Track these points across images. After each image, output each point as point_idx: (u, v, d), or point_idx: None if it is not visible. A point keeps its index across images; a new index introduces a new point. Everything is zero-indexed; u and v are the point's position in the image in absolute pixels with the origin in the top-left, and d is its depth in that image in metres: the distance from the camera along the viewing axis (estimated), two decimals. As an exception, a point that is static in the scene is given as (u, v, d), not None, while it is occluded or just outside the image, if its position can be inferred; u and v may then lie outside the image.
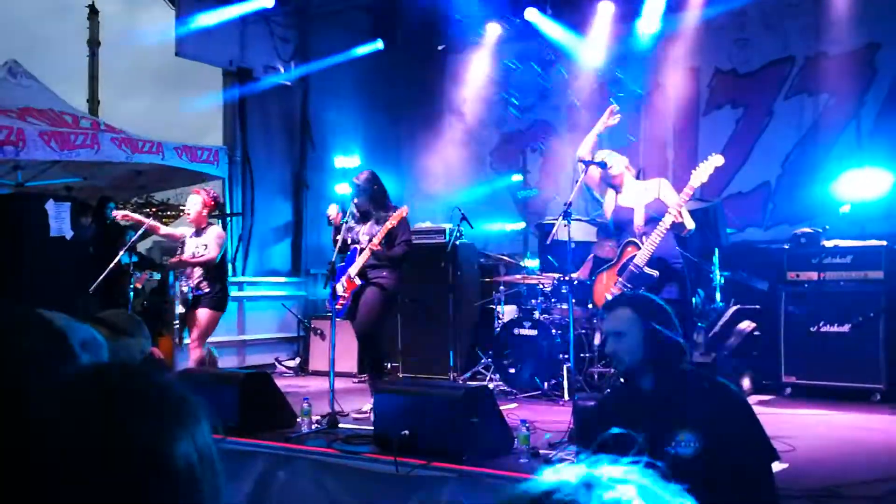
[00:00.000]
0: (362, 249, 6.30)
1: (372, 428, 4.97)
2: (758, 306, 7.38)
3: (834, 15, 8.49)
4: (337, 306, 6.30)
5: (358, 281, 6.30)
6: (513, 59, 10.69)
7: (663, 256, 5.40)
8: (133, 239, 7.36)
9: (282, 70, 10.55)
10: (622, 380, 2.99)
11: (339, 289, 6.33)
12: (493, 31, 10.56)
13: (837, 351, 6.61)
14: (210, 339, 8.90)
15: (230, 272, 9.84)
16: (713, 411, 2.60)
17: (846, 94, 8.49)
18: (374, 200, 6.37)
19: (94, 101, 31.08)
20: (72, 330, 1.29)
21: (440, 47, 11.29)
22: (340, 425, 5.45)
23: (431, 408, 4.51)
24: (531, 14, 9.74)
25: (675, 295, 5.39)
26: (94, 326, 1.43)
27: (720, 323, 7.31)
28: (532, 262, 8.23)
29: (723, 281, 7.43)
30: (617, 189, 5.68)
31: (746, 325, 7.17)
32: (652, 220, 5.39)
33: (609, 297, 5.13)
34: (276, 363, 9.34)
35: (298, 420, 5.41)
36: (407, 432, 4.41)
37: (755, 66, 9.18)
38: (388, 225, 6.21)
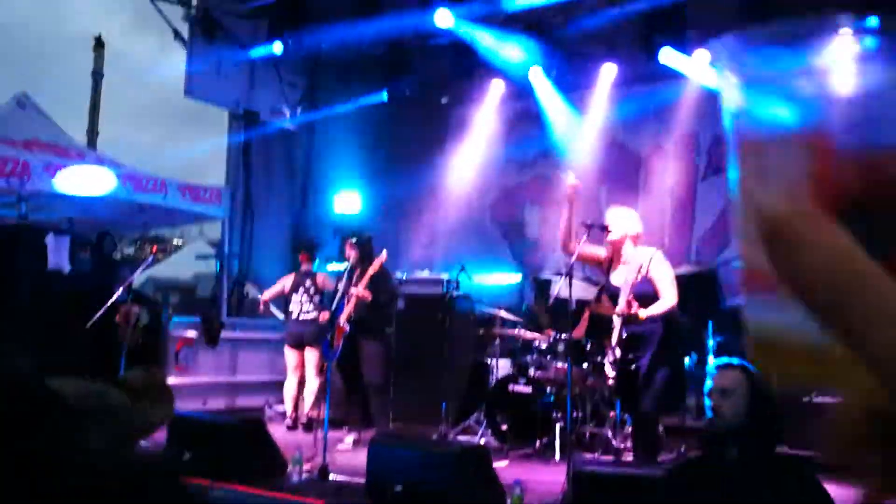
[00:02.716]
0: (350, 298, 6.89)
1: (363, 480, 4.94)
2: (751, 373, 7.40)
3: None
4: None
5: (347, 327, 6.88)
6: (515, 114, 10.86)
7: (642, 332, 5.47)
8: (133, 275, 7.37)
9: (287, 115, 10.69)
10: (704, 447, 2.93)
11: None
12: (497, 87, 10.74)
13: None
14: (201, 380, 8.90)
15: (224, 313, 9.88)
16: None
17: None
18: (368, 258, 7.03)
19: (93, 132, 31.23)
20: (81, 402, 1.30)
21: (444, 100, 11.46)
22: (331, 476, 5.42)
23: (427, 464, 4.50)
24: (535, 73, 9.93)
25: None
26: (114, 390, 1.44)
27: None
28: (527, 316, 8.27)
29: (716, 345, 7.46)
30: (610, 264, 5.75)
31: (739, 392, 7.17)
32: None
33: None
34: (267, 407, 9.26)
35: (289, 469, 5.38)
36: (400, 488, 4.39)
37: (754, 134, 9.33)
38: (370, 272, 6.88)
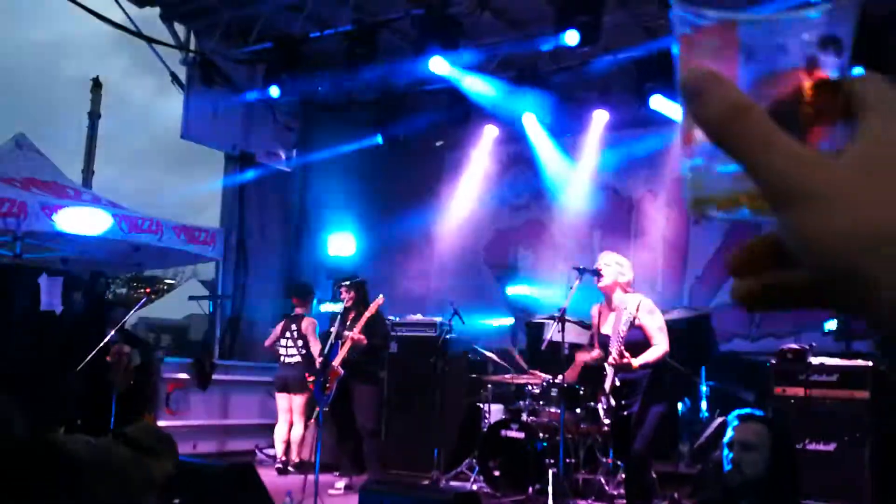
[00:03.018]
0: (344, 342, 6.97)
1: (355, 527, 4.90)
2: (744, 419, 7.39)
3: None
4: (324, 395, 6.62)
5: (341, 371, 6.93)
6: (508, 158, 10.97)
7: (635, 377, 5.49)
8: (126, 317, 7.36)
9: (283, 157, 10.78)
10: (721, 497, 2.89)
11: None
12: (491, 132, 10.87)
13: (822, 469, 6.59)
14: (191, 423, 8.83)
15: (216, 355, 9.85)
16: None
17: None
18: (363, 301, 7.17)
19: (88, 172, 31.32)
20: (87, 459, 1.30)
21: (438, 143, 11.58)
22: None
23: (418, 512, 4.46)
24: (528, 119, 10.06)
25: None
26: (117, 445, 1.45)
27: (706, 434, 7.30)
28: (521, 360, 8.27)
29: (708, 391, 7.46)
30: (599, 314, 5.80)
31: (732, 438, 7.15)
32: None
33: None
34: (258, 450, 9.19)
35: (280, 515, 5.32)
36: (392, 535, 4.35)
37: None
38: (367, 314, 6.97)
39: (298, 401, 8.01)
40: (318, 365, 7.74)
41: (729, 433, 2.79)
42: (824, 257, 0.39)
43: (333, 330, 6.88)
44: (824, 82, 0.45)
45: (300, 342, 8.09)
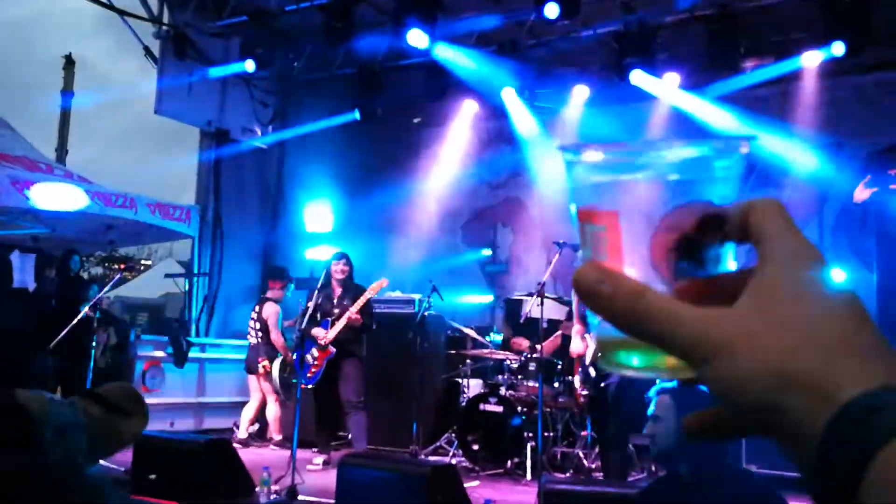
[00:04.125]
0: (335, 320, 6.68)
1: (333, 501, 4.88)
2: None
3: (800, 112, 8.83)
4: (308, 374, 6.46)
5: (332, 350, 6.76)
6: (488, 135, 10.92)
7: None
8: (101, 293, 7.26)
9: (259, 133, 10.65)
10: (661, 466, 2.98)
11: (310, 358, 6.54)
12: (470, 107, 10.79)
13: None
14: (168, 400, 8.77)
15: (193, 333, 9.76)
16: None
17: (809, 190, 8.76)
18: (349, 278, 7.05)
19: (62, 150, 30.93)
20: (48, 415, 1.26)
21: (416, 120, 11.50)
22: (300, 497, 5.34)
23: (396, 484, 4.45)
24: (507, 94, 9.99)
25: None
26: (87, 403, 1.40)
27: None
28: (498, 337, 8.27)
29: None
30: None
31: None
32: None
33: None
34: (234, 428, 9.13)
35: (257, 489, 5.30)
36: (370, 508, 4.34)
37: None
38: (368, 295, 6.81)
39: (264, 381, 8.03)
40: (286, 354, 7.71)
41: (650, 409, 2.91)
42: (739, 398, 0.43)
43: (311, 304, 6.54)
44: (716, 215, 0.49)
45: (258, 325, 8.08)
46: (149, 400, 6.30)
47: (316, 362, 6.67)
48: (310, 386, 6.64)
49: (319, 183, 10.95)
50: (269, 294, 8.25)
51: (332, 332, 6.77)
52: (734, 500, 2.65)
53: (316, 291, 6.47)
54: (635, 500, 3.18)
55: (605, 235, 0.50)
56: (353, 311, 6.72)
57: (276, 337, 7.95)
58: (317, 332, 6.82)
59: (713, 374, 0.44)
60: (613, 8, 8.59)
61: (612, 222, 0.50)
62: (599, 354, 0.52)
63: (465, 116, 10.93)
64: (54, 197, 8.07)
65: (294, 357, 7.04)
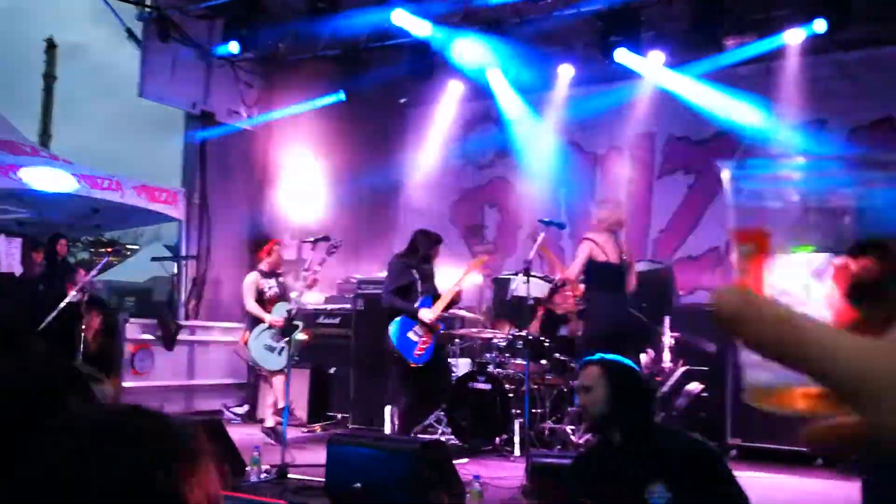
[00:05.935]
0: (437, 296, 6.76)
1: (323, 479, 4.93)
2: (706, 368, 7.51)
3: (784, 90, 8.87)
4: (419, 351, 6.54)
5: (441, 325, 6.86)
6: (473, 115, 10.91)
7: None
8: (89, 276, 7.25)
9: (244, 115, 10.60)
10: (595, 434, 3.09)
11: (414, 336, 6.59)
12: (456, 88, 10.77)
13: (783, 415, 6.73)
14: (157, 383, 8.77)
15: (182, 316, 9.77)
16: (683, 463, 2.72)
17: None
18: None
19: (45, 135, 30.70)
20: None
21: (402, 100, 11.47)
22: (290, 476, 5.39)
23: (385, 461, 4.50)
24: (493, 74, 9.98)
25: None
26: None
27: (668, 383, 7.42)
28: (486, 316, 8.33)
29: (672, 342, 7.56)
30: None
31: (694, 387, 7.28)
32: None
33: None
34: (224, 410, 9.18)
35: (248, 469, 5.34)
36: (359, 485, 4.39)
37: (707, 134, 9.50)
38: (471, 269, 7.02)
39: None
40: (272, 322, 7.36)
41: (578, 380, 3.04)
42: None
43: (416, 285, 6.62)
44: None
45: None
46: (139, 383, 6.37)
47: (424, 338, 6.64)
48: (419, 364, 6.63)
49: (305, 164, 10.93)
50: (260, 266, 7.84)
51: (437, 309, 6.72)
52: (665, 457, 2.77)
53: (407, 267, 6.58)
54: (569, 469, 3.26)
55: (754, 256, 0.48)
56: (457, 287, 6.75)
57: (249, 306, 7.46)
58: (423, 313, 6.69)
59: (877, 417, 0.40)
60: (598, -15, 8.58)
61: (762, 242, 0.48)
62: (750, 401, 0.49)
63: (451, 96, 10.91)
64: (40, 179, 8.03)
65: (277, 321, 7.01)
